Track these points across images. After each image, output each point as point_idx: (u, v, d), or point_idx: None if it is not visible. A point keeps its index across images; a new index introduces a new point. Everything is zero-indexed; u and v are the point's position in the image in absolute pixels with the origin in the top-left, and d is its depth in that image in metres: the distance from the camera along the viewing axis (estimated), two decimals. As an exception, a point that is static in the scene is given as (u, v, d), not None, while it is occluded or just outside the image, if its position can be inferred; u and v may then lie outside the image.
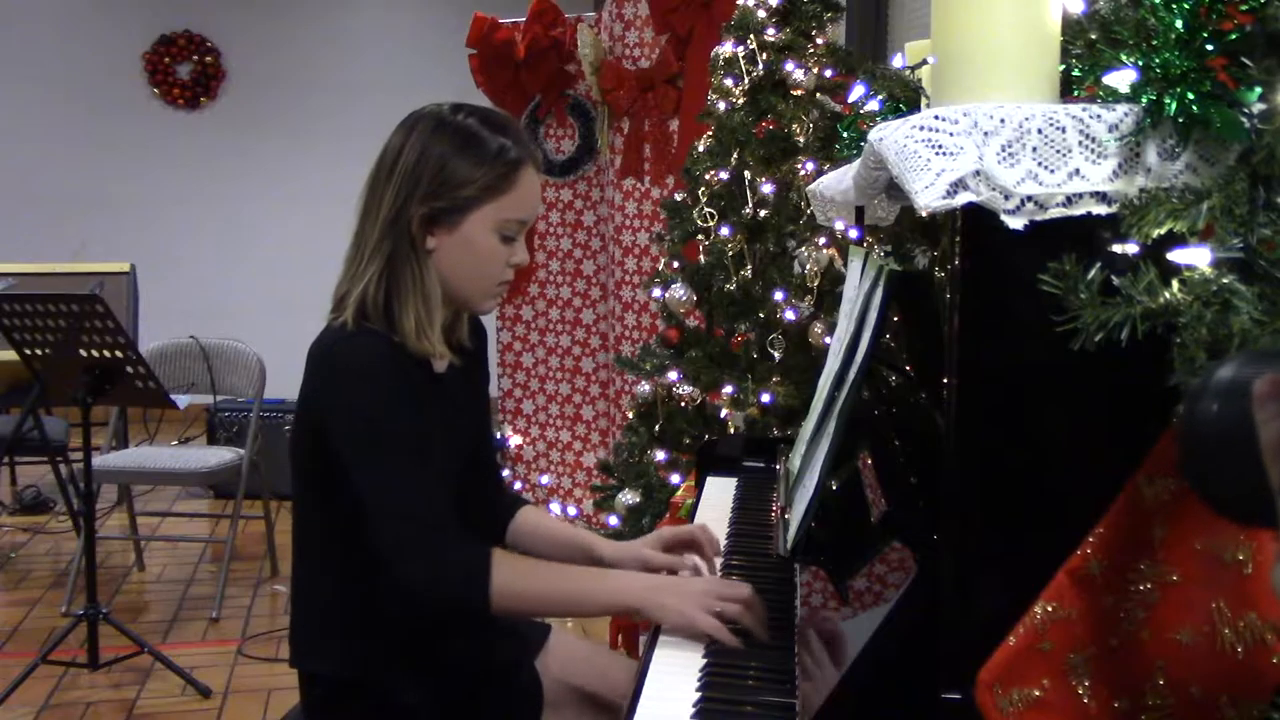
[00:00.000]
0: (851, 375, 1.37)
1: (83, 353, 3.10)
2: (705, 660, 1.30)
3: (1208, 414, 0.55)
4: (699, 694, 1.20)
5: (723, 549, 1.66)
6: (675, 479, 3.14)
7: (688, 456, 3.17)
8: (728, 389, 3.03)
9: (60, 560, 4.43)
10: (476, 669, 1.59)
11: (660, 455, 3.31)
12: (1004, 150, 0.92)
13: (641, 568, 1.60)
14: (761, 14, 3.12)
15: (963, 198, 0.91)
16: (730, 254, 3.12)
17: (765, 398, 2.92)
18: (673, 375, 3.20)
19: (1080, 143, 0.92)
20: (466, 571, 1.41)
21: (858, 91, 1.58)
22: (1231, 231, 0.84)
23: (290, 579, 1.64)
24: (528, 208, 1.55)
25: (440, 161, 1.50)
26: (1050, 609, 0.87)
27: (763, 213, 3.09)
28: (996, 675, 0.87)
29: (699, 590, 1.39)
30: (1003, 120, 0.92)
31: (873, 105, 1.47)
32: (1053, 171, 0.92)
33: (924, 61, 1.38)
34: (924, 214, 1.30)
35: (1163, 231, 0.87)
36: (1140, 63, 0.92)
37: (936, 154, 0.92)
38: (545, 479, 4.69)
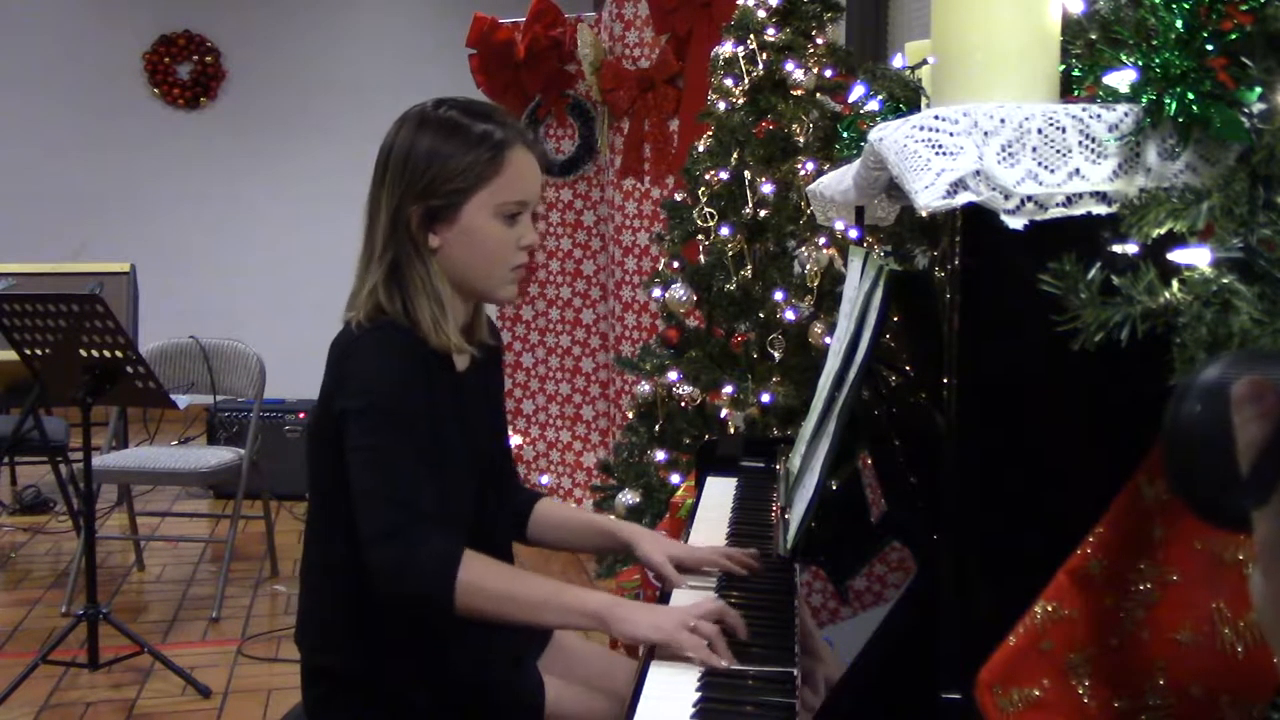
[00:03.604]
0: (851, 375, 1.37)
1: (83, 353, 3.10)
2: (705, 660, 1.30)
3: (1190, 415, 0.55)
4: (699, 694, 1.20)
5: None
6: (675, 479, 3.14)
7: (688, 456, 3.17)
8: (728, 389, 3.03)
9: (60, 560, 4.43)
10: (480, 668, 1.59)
11: (660, 455, 3.31)
12: (1004, 150, 0.92)
13: (670, 559, 1.59)
14: (761, 14, 3.12)
15: (963, 198, 0.91)
16: (730, 254, 3.12)
17: (765, 398, 2.92)
18: (673, 375, 3.20)
19: (1080, 143, 0.92)
20: (437, 564, 1.40)
21: (858, 91, 1.58)
22: (1231, 231, 0.84)
23: (300, 571, 1.64)
24: (523, 188, 1.54)
25: (428, 158, 1.50)
26: (1050, 609, 0.87)
27: (763, 213, 3.09)
28: (996, 675, 0.87)
29: (673, 610, 1.36)
30: (1003, 120, 0.92)
31: (873, 105, 1.47)
32: (1053, 171, 0.92)
33: (924, 61, 1.38)
34: (924, 214, 1.30)
35: (1163, 231, 0.87)
36: (1140, 63, 0.92)
37: (936, 154, 0.92)
38: (545, 479, 4.69)
